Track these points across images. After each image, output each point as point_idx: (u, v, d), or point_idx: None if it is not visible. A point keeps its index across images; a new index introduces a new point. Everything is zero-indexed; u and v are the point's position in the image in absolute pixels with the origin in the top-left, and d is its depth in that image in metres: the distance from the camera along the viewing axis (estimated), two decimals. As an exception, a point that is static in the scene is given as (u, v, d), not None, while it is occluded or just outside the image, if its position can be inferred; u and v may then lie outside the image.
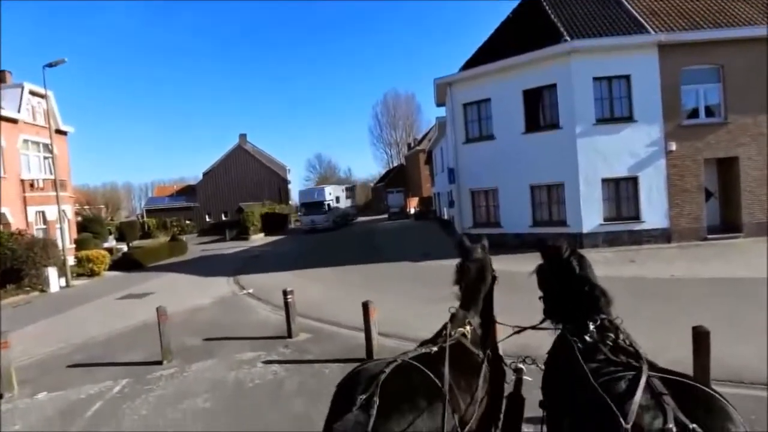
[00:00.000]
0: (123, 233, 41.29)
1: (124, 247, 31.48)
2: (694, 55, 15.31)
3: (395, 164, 71.49)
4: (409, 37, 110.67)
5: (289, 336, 8.75)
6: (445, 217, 28.60)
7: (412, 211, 46.74)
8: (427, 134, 54.76)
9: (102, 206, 57.87)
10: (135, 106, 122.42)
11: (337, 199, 42.43)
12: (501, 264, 14.00)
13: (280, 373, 7.00)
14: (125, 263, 24.62)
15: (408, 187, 56.57)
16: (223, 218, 51.76)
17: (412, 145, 62.25)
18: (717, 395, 1.76)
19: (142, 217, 57.14)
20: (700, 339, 4.68)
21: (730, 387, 5.12)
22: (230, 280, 17.08)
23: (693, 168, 15.46)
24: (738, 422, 1.65)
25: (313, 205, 39.46)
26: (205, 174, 56.76)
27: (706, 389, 1.79)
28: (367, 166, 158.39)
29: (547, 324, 3.09)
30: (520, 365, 3.09)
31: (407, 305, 10.13)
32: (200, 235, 49.28)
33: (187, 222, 54.08)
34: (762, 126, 15.24)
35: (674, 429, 1.56)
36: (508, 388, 3.06)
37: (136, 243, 37.48)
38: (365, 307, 7.19)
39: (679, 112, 15.47)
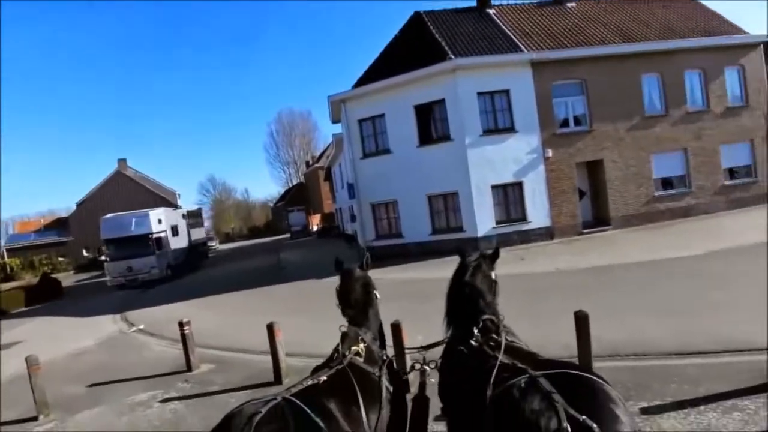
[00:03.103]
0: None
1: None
2: (562, 71, 17.22)
3: (294, 183, 70.59)
4: (300, 52, 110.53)
5: (189, 369, 8.10)
6: (349, 231, 28.70)
7: (315, 228, 46.32)
8: (325, 151, 54.85)
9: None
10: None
11: (175, 230, 29.07)
12: (406, 273, 14.31)
13: (181, 410, 6.40)
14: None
15: (309, 205, 56.05)
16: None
17: (311, 162, 61.93)
18: (595, 378, 1.91)
19: (3, 257, 49.88)
20: (581, 322, 5.04)
21: (610, 361, 5.73)
22: (117, 318, 15.50)
23: (567, 171, 17.24)
24: (616, 399, 1.81)
25: (128, 243, 25.00)
26: (78, 204, 51.07)
27: (586, 375, 1.93)
28: (266, 185, 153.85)
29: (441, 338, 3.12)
30: (426, 367, 3.06)
31: (314, 323, 9.93)
32: (78, 272, 44.36)
33: (60, 259, 48.24)
34: (620, 132, 17.50)
35: (569, 427, 1.62)
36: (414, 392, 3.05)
37: (-4, 287, 32.55)
38: (270, 328, 6.89)
39: (552, 122, 17.21)
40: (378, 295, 3.29)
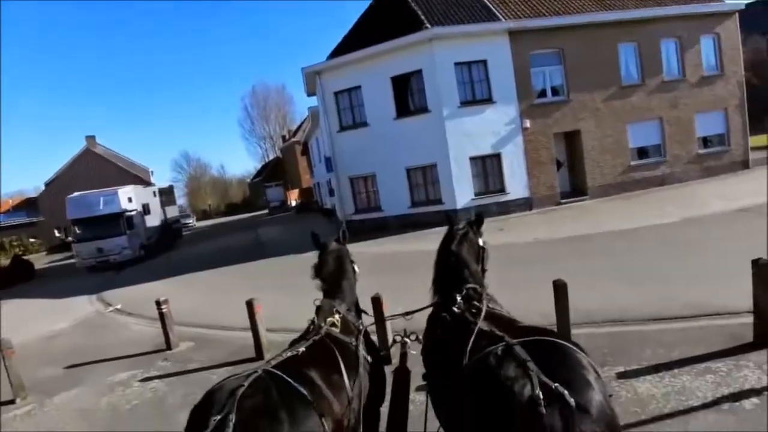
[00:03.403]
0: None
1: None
2: (539, 40, 17.03)
3: (271, 157, 69.54)
4: (273, 23, 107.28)
5: (168, 348, 7.97)
6: (328, 206, 28.48)
7: (294, 203, 45.87)
8: (301, 125, 53.92)
9: None
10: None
11: (146, 209, 27.44)
12: (385, 246, 14.23)
13: (161, 388, 6.31)
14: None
15: (287, 180, 55.38)
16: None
17: (287, 137, 60.87)
18: (570, 345, 1.95)
19: (-29, 240, 48.12)
20: (559, 291, 5.16)
21: (586, 328, 5.83)
22: (93, 298, 15.14)
23: (545, 142, 17.26)
24: (588, 366, 1.85)
25: (97, 223, 23.68)
26: (47, 184, 49.29)
27: (561, 342, 1.97)
28: (242, 161, 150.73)
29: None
30: (406, 339, 3.15)
31: (294, 298, 9.85)
32: (50, 253, 43.23)
33: (32, 240, 46.82)
34: (597, 102, 17.52)
35: (541, 394, 1.66)
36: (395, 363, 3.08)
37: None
38: (249, 304, 6.82)
39: (530, 93, 17.10)
40: (357, 269, 3.35)
